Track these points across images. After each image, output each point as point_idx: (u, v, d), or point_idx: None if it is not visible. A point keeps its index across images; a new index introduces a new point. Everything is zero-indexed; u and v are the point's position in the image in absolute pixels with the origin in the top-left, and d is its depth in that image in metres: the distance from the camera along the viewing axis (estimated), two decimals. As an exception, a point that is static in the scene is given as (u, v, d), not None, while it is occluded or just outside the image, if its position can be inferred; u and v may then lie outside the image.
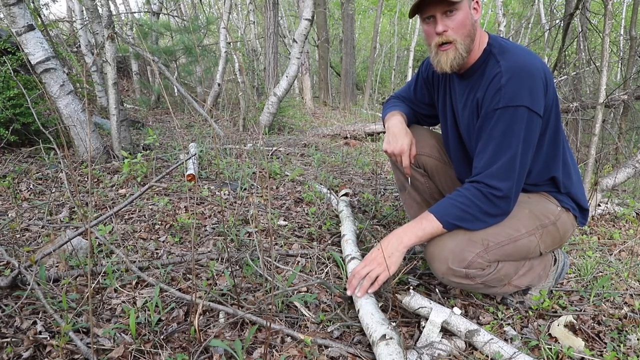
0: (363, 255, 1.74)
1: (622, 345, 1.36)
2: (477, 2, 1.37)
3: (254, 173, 2.96)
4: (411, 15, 1.39)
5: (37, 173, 2.79)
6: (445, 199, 1.39)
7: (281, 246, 1.94)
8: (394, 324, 1.36)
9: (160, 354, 1.18)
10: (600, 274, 1.85)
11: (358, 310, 1.37)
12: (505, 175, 1.31)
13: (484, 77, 1.37)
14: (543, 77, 1.30)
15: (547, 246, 1.47)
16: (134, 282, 1.56)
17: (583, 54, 6.63)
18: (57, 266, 1.66)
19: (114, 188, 2.61)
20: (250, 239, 1.97)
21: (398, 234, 1.40)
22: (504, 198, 1.32)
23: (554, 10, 12.21)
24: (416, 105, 1.74)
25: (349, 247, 1.76)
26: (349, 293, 1.40)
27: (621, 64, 9.99)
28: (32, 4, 5.04)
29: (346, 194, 2.44)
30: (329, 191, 2.63)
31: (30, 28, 2.72)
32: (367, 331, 1.27)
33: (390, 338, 1.18)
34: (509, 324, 1.46)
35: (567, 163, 1.49)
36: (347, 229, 1.92)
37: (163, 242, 1.96)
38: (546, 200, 1.48)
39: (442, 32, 1.33)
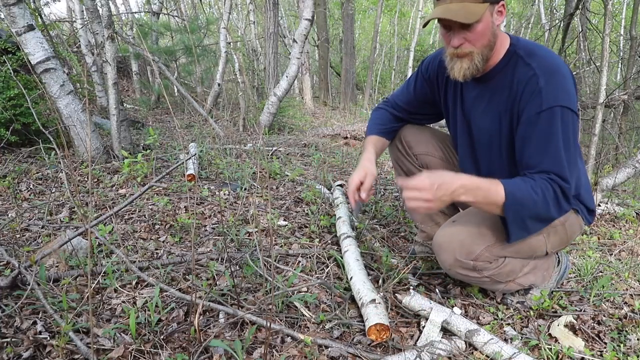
0: (357, 237, 1.85)
1: (622, 345, 1.36)
2: (502, 5, 1.28)
3: (254, 173, 2.96)
4: (425, 24, 1.35)
5: (37, 173, 2.79)
6: (518, 180, 1.27)
7: (281, 246, 1.94)
8: (381, 294, 1.46)
9: (160, 354, 1.18)
10: (600, 274, 1.85)
11: (351, 278, 1.53)
12: (571, 175, 1.26)
13: (514, 79, 1.32)
14: (572, 77, 1.30)
15: (554, 246, 1.47)
16: (134, 282, 1.56)
17: (583, 54, 6.63)
18: (57, 266, 1.66)
19: (114, 188, 2.61)
20: (250, 239, 1.97)
21: (460, 183, 1.22)
22: (569, 197, 1.27)
23: (554, 10, 12.21)
24: (413, 106, 1.69)
25: (344, 227, 1.91)
26: (403, 192, 1.24)
27: (621, 64, 9.98)
28: (32, 4, 5.04)
29: (341, 185, 2.57)
30: (328, 191, 2.64)
31: (30, 28, 2.71)
32: (357, 295, 1.43)
33: (379, 302, 1.34)
34: (509, 324, 1.46)
35: (577, 165, 1.48)
36: (342, 212, 2.08)
37: (163, 242, 1.96)
38: None
39: (459, 45, 1.29)
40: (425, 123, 1.79)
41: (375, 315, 1.29)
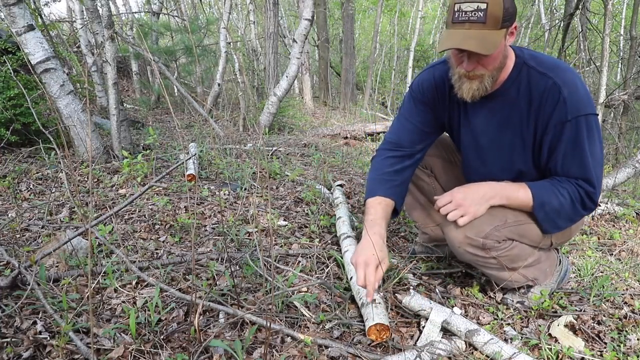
0: (357, 237, 1.83)
1: (622, 345, 1.36)
2: (515, 26, 1.28)
3: (254, 173, 2.96)
4: (441, 51, 1.32)
5: (37, 173, 2.79)
6: (546, 184, 1.37)
7: (281, 246, 1.94)
8: (381, 294, 1.45)
9: (160, 354, 1.18)
10: (600, 274, 1.85)
11: (351, 278, 1.52)
12: (598, 182, 1.34)
13: (531, 89, 1.33)
14: (579, 76, 1.33)
15: (558, 237, 1.51)
16: (134, 282, 1.56)
17: (583, 54, 6.63)
18: (57, 266, 1.66)
19: (114, 188, 2.61)
20: (250, 239, 1.97)
21: (491, 189, 1.38)
22: (595, 200, 1.35)
23: (554, 10, 12.21)
24: (423, 135, 1.59)
25: (344, 227, 1.92)
26: (443, 211, 1.37)
27: (621, 64, 9.99)
28: (32, 4, 5.04)
29: (341, 185, 2.59)
30: (328, 191, 2.64)
31: (30, 28, 2.71)
32: (357, 295, 1.44)
33: (379, 302, 1.35)
34: (509, 324, 1.46)
35: (602, 164, 1.50)
36: (343, 212, 2.08)
37: (163, 242, 1.96)
38: None
39: (472, 69, 1.28)
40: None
41: (375, 315, 1.29)
